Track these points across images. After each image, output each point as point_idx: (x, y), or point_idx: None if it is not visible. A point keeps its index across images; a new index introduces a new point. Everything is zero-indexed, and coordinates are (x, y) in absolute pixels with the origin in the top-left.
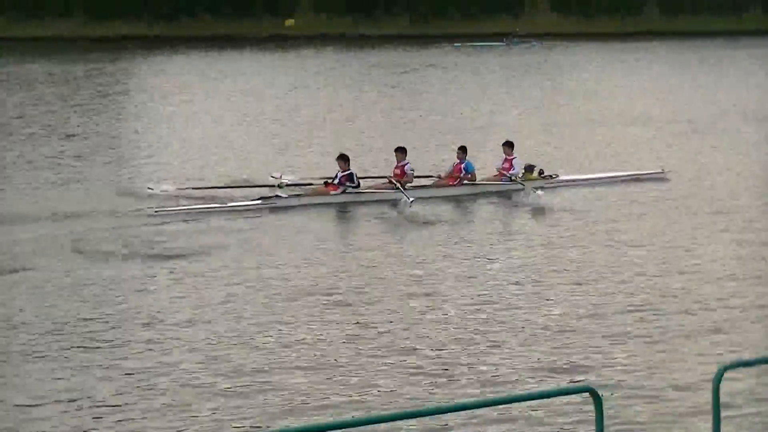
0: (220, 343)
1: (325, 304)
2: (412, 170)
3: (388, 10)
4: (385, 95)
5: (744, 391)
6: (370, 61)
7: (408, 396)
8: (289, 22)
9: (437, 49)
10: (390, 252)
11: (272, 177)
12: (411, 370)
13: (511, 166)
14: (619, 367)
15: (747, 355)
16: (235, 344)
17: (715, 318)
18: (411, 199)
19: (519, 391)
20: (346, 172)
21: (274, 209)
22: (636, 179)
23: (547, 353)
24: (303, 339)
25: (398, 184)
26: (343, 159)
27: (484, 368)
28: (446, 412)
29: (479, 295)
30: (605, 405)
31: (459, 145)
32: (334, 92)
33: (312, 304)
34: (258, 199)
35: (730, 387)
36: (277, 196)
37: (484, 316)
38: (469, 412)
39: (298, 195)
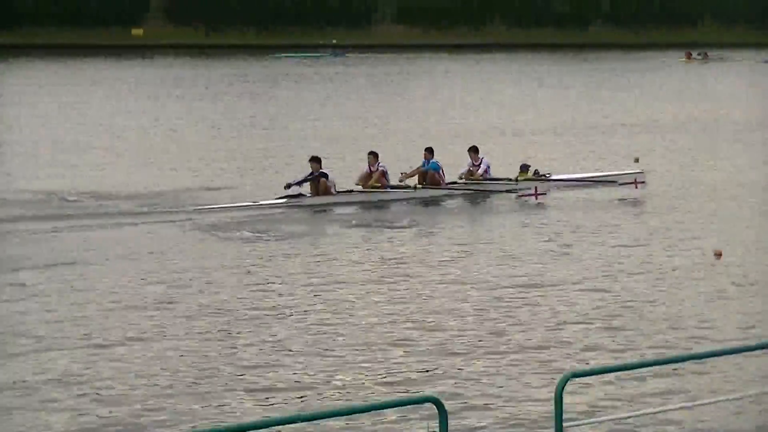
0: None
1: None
2: (386, 171)
3: (235, 21)
4: (233, 103)
5: (586, 400)
6: (217, 71)
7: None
8: (137, 32)
9: (277, 60)
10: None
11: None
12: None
13: (479, 167)
14: (463, 377)
15: (593, 364)
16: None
17: (561, 327)
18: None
19: (362, 402)
20: (320, 172)
21: (299, 207)
22: (613, 181)
23: (393, 363)
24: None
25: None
26: (316, 160)
27: (329, 379)
28: (285, 423)
29: (324, 308)
30: (449, 415)
31: (426, 147)
32: (170, 101)
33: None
34: (284, 197)
35: (573, 395)
36: (300, 195)
37: (325, 328)
38: (311, 423)
39: (312, 195)
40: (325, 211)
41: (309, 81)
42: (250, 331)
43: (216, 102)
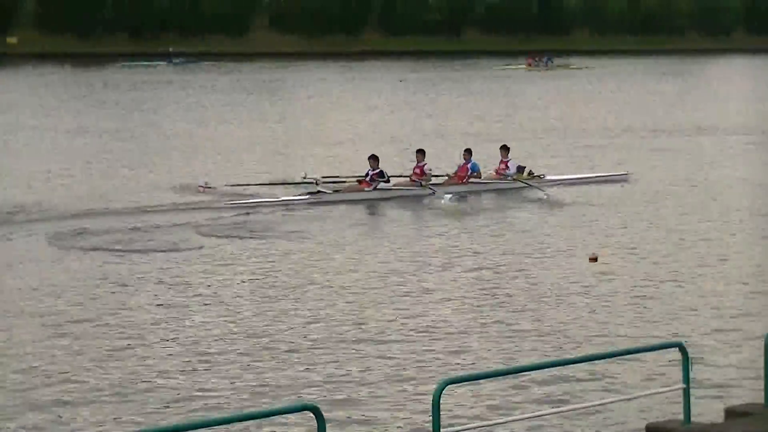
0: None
1: None
2: (430, 170)
3: (109, 29)
4: (107, 111)
5: (464, 406)
6: (90, 79)
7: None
8: (11, 40)
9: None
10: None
11: (304, 177)
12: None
13: (507, 167)
14: (342, 384)
15: (470, 371)
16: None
17: (440, 334)
18: (449, 195)
19: (238, 411)
20: (377, 170)
21: (319, 203)
22: (603, 180)
23: (272, 371)
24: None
25: (421, 182)
26: (374, 158)
27: (203, 387)
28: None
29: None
30: (328, 423)
31: (465, 148)
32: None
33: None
34: (306, 194)
35: (451, 402)
36: (319, 191)
37: (203, 333)
38: None
39: (337, 191)
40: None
41: (151, 88)
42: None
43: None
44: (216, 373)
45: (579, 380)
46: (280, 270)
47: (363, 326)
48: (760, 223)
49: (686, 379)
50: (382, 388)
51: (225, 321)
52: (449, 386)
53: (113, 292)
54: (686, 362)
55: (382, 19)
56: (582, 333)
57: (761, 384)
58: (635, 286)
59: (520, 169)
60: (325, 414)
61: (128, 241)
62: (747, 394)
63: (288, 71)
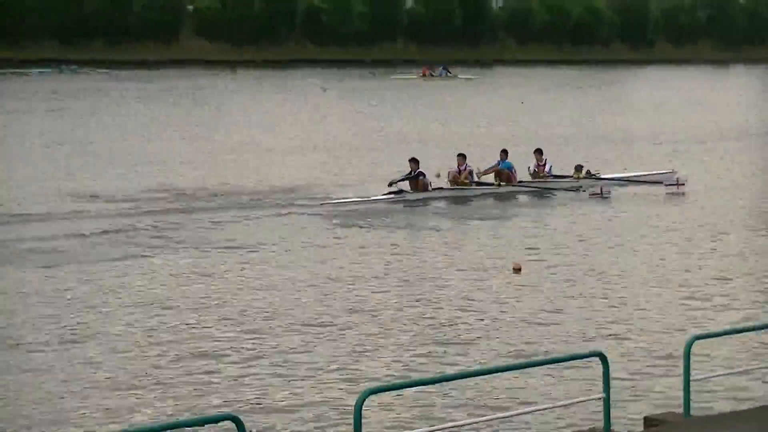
0: None
1: None
2: (472, 170)
3: (37, 35)
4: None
5: (387, 415)
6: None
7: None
8: None
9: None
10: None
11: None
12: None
13: (544, 168)
14: (263, 393)
15: (392, 380)
16: None
17: (364, 343)
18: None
19: (166, 420)
20: (418, 171)
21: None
22: (655, 181)
23: (196, 380)
24: None
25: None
26: (415, 161)
27: (126, 397)
28: None
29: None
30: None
31: (501, 149)
32: None
33: None
34: (391, 193)
35: (373, 410)
36: (401, 191)
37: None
38: None
39: (412, 191)
40: (423, 204)
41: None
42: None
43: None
44: (132, 385)
45: (501, 390)
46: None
47: (283, 335)
48: (682, 232)
49: (606, 388)
50: (304, 397)
51: (144, 328)
52: (372, 395)
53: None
54: (606, 371)
55: (307, 28)
56: (505, 342)
57: (681, 393)
58: (557, 296)
59: (579, 168)
60: (246, 423)
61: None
62: (667, 403)
63: (214, 79)
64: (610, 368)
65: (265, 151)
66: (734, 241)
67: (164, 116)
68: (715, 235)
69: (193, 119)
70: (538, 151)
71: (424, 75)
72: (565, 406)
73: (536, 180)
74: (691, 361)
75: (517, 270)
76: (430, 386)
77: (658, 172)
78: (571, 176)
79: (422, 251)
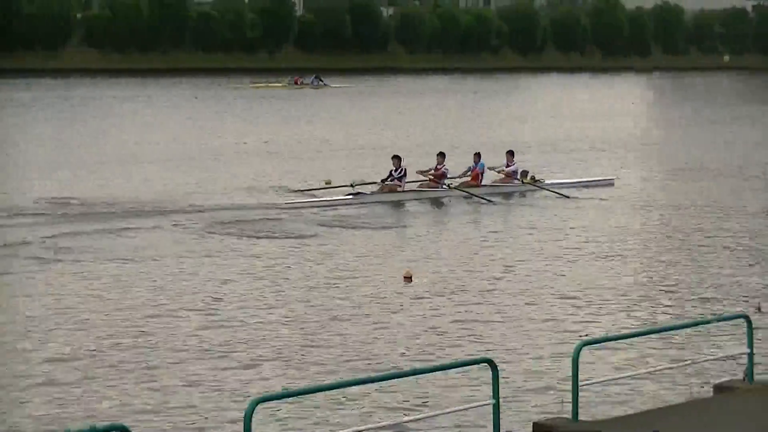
0: None
1: None
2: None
3: None
4: None
5: (277, 424)
6: None
7: None
8: None
9: None
10: None
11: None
12: None
13: (512, 169)
14: (153, 404)
15: (283, 388)
16: None
17: (253, 353)
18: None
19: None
20: (400, 170)
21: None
22: (588, 185)
23: (78, 390)
24: None
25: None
26: (397, 158)
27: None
28: None
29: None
30: None
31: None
32: None
33: None
34: (350, 195)
35: (264, 420)
36: (360, 193)
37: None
38: None
39: (374, 192)
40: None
41: None
42: None
43: None
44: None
45: (391, 397)
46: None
47: (174, 345)
48: (569, 239)
49: (496, 394)
50: (193, 407)
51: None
52: (262, 404)
53: None
54: (495, 378)
55: (197, 35)
56: (393, 351)
57: (570, 397)
58: (448, 303)
59: (524, 173)
60: None
61: None
62: (556, 408)
63: (94, 88)
64: (500, 374)
65: (121, 160)
66: (630, 248)
67: (24, 125)
68: (610, 242)
69: (57, 129)
70: (510, 153)
71: (296, 83)
72: (454, 412)
73: (500, 183)
74: (579, 367)
75: (408, 278)
76: (319, 394)
77: (597, 178)
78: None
79: (307, 260)
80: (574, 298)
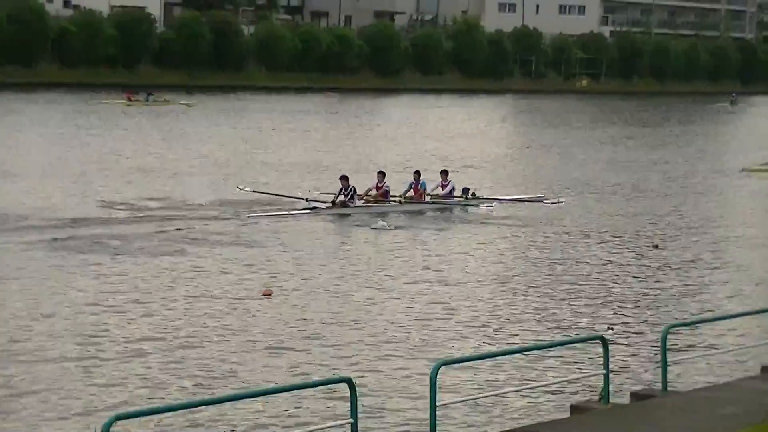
0: None
1: None
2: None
3: None
4: None
5: None
6: None
7: None
8: None
9: None
10: None
11: (299, 196)
12: None
13: (447, 187)
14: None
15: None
16: None
17: (102, 369)
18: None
19: None
20: (349, 189)
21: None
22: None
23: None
24: None
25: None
26: (345, 179)
27: None
28: None
29: None
30: None
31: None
32: None
33: None
34: (307, 209)
35: None
36: (315, 207)
37: None
38: None
39: (329, 207)
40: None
41: None
42: None
43: None
44: None
45: (247, 417)
46: None
47: (22, 362)
48: (443, 258)
49: (354, 413)
50: (49, 422)
51: None
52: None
53: None
54: (354, 397)
55: (58, 50)
56: (251, 369)
57: (427, 418)
58: (309, 321)
59: (465, 190)
60: None
61: None
62: (414, 428)
63: None
64: (358, 394)
65: None
66: (496, 271)
67: None
68: (481, 265)
69: None
70: (444, 172)
71: (129, 100)
72: None
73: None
74: (437, 387)
75: (267, 295)
76: (177, 412)
77: (531, 196)
78: (461, 197)
79: (178, 277)
80: (435, 319)
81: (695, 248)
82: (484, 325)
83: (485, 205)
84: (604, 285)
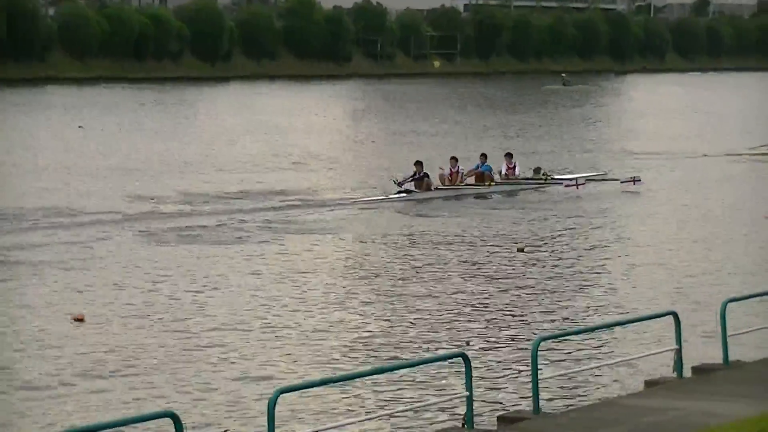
0: None
1: None
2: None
3: None
4: None
5: None
6: None
7: None
8: None
9: None
10: None
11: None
12: None
13: (514, 170)
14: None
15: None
16: None
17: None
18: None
19: None
20: (423, 173)
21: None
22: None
23: None
24: None
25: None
26: (419, 164)
27: None
28: None
29: None
30: None
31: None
32: None
33: None
34: (403, 192)
35: None
36: (407, 191)
37: None
38: None
39: (418, 191)
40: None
41: None
42: None
43: None
44: None
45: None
46: None
47: None
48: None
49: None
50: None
51: None
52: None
53: None
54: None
55: None
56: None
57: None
58: (121, 347)
59: (537, 170)
60: None
61: None
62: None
63: None
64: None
65: None
66: (326, 279)
67: None
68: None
69: None
70: (508, 155)
71: None
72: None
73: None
74: (275, 416)
75: (80, 320)
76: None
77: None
78: (535, 178)
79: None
80: (273, 340)
81: (561, 253)
82: (333, 347)
83: (566, 183)
84: (467, 297)
